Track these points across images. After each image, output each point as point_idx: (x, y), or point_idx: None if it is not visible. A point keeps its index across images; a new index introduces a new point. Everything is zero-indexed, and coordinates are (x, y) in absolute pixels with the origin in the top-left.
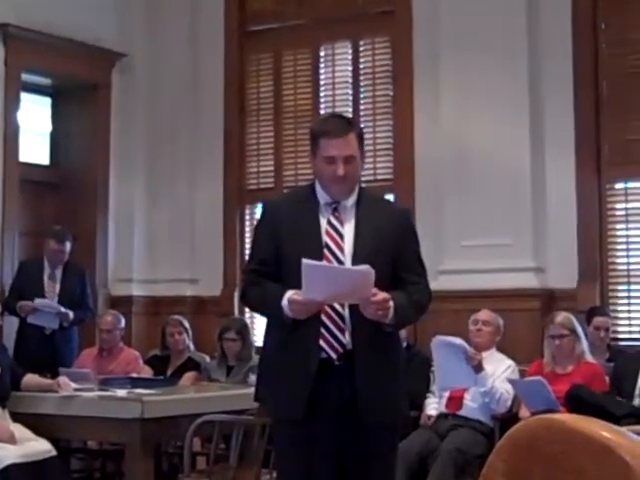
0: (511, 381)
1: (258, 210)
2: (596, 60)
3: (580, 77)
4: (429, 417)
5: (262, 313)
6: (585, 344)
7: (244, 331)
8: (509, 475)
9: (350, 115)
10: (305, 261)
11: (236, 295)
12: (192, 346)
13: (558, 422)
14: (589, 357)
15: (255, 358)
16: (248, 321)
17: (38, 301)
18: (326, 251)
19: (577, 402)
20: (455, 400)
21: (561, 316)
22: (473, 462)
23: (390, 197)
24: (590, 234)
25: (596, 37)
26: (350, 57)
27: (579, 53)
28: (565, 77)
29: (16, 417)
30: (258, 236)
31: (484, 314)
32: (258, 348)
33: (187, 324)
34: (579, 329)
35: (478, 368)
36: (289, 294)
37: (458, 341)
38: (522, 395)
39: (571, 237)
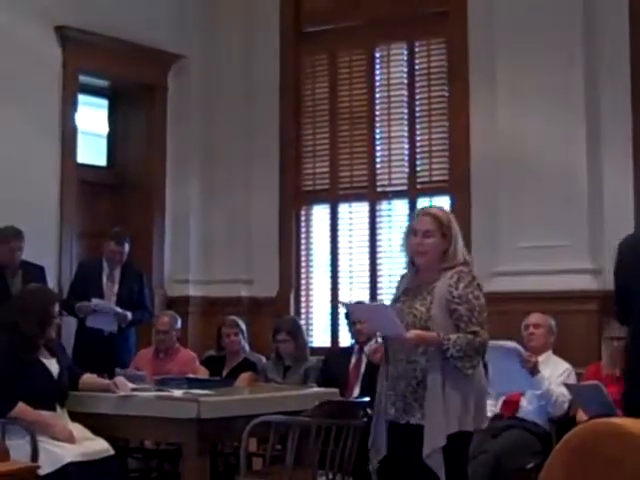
0: (567, 385)
1: (315, 211)
2: None
3: (638, 75)
4: None
5: None
6: None
7: (296, 331)
8: (568, 477)
9: (406, 116)
10: None
11: (292, 296)
12: (247, 347)
13: (616, 426)
14: None
15: (311, 359)
16: (302, 321)
17: (95, 301)
18: None
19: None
20: (510, 405)
21: None
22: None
23: (446, 199)
24: None
25: None
26: (405, 58)
27: (637, 51)
28: (622, 75)
29: (74, 416)
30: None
31: (534, 317)
32: (313, 348)
33: (243, 325)
34: None
35: (534, 371)
36: None
37: (511, 345)
38: (579, 399)
39: None
